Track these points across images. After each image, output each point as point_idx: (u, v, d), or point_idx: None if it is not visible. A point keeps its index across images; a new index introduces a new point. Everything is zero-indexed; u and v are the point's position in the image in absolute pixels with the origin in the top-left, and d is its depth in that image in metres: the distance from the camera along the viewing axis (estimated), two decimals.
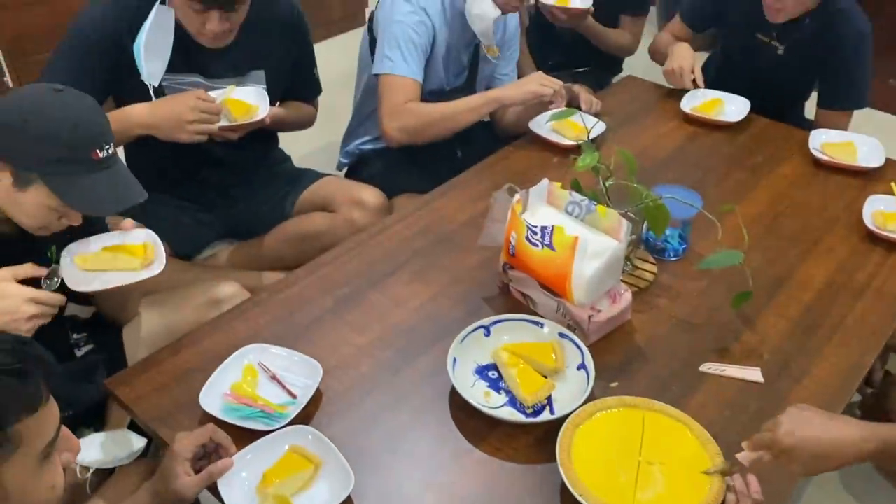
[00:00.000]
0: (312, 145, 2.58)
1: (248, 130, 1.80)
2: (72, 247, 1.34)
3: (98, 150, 1.17)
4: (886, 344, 1.43)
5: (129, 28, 1.66)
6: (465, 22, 2.09)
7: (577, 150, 2.00)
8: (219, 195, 2.04)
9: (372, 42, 2.12)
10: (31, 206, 1.20)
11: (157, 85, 1.68)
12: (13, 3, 2.98)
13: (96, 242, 1.36)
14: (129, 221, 1.40)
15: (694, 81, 2.22)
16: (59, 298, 1.19)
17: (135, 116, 1.63)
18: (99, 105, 1.24)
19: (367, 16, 2.15)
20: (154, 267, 1.34)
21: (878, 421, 1.05)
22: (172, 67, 1.72)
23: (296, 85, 2.00)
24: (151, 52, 1.64)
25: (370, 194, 2.02)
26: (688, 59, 2.26)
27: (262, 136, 1.92)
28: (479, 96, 2.04)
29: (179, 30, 1.69)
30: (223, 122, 1.73)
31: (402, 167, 2.19)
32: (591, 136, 2.08)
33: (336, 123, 2.42)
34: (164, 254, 1.37)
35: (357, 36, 2.20)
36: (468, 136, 2.10)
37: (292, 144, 2.22)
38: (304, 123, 2.09)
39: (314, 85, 2.08)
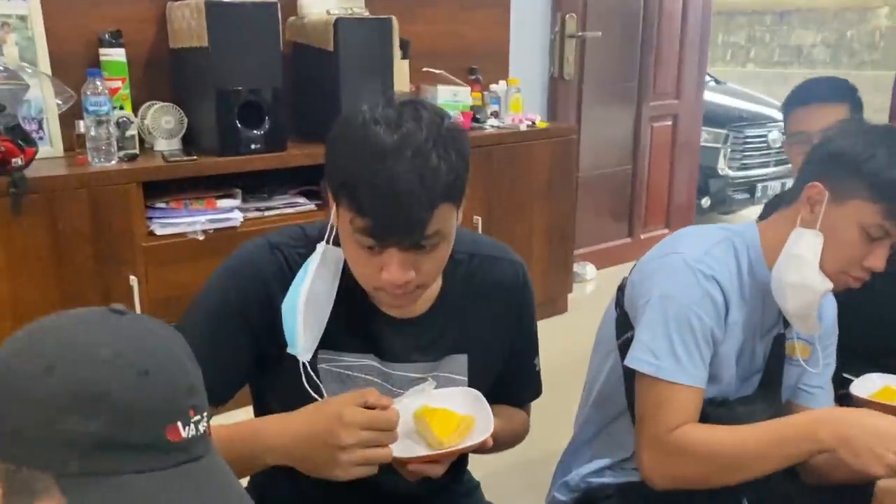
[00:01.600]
0: (504, 461, 1.88)
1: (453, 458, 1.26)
2: None
3: (180, 425, 0.69)
4: None
5: (284, 287, 1.28)
6: (771, 301, 1.51)
7: None
8: None
9: (621, 318, 1.58)
10: None
11: (307, 361, 1.27)
12: (161, 260, 2.48)
13: None
14: None
15: None
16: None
17: (267, 436, 1.21)
18: (188, 347, 0.78)
19: (617, 290, 1.66)
20: None
21: None
22: (336, 343, 1.31)
23: (509, 380, 1.48)
24: (310, 312, 1.24)
25: None
26: None
27: None
28: (793, 431, 1.36)
29: (350, 290, 1.29)
30: (416, 451, 1.23)
31: None
32: None
33: (545, 434, 1.85)
34: None
35: (557, 326, 1.66)
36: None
37: (476, 459, 1.55)
38: (514, 440, 1.52)
39: (533, 382, 1.53)
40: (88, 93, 2.43)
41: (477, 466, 1.63)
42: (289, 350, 1.24)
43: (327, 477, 1.15)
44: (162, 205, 2.58)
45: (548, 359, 1.77)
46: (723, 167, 6.01)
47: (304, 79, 2.99)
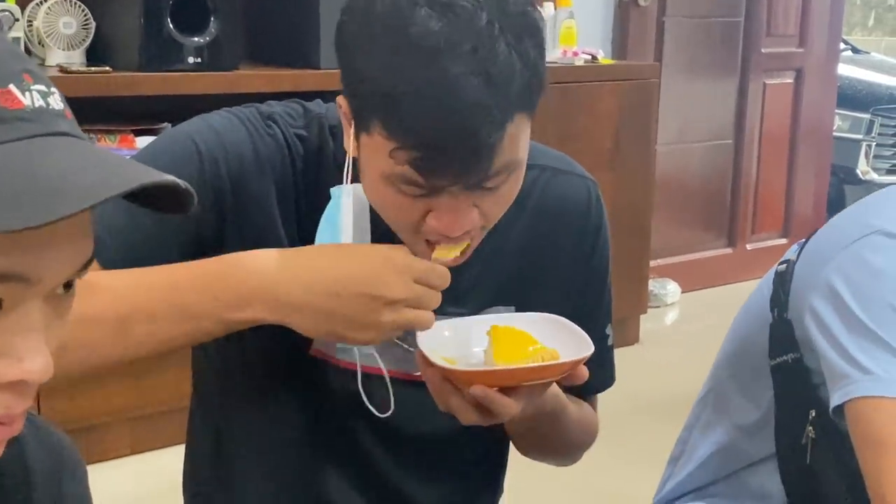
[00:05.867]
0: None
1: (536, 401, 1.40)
2: None
3: (15, 89, 0.82)
4: None
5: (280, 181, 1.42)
6: None
7: None
8: None
9: (779, 327, 1.67)
10: None
11: None
12: None
13: None
14: None
15: None
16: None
17: (260, 270, 1.29)
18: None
19: (776, 270, 1.76)
20: None
21: None
22: None
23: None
24: None
25: None
26: None
27: (483, 463, 1.59)
28: None
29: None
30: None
31: None
32: None
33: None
34: None
35: (622, 361, 1.83)
36: None
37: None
38: (584, 437, 1.64)
39: (604, 360, 1.61)
40: None
41: None
42: None
43: (348, 342, 1.27)
44: None
45: (607, 401, 1.89)
46: (865, 169, 6.14)
47: None
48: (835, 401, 1.49)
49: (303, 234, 1.38)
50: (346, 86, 1.26)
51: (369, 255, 1.28)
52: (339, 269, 1.26)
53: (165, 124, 2.84)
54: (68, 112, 0.86)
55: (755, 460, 1.76)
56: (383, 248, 1.30)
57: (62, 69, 2.74)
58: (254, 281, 1.25)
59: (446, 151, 1.19)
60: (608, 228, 1.58)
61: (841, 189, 6.02)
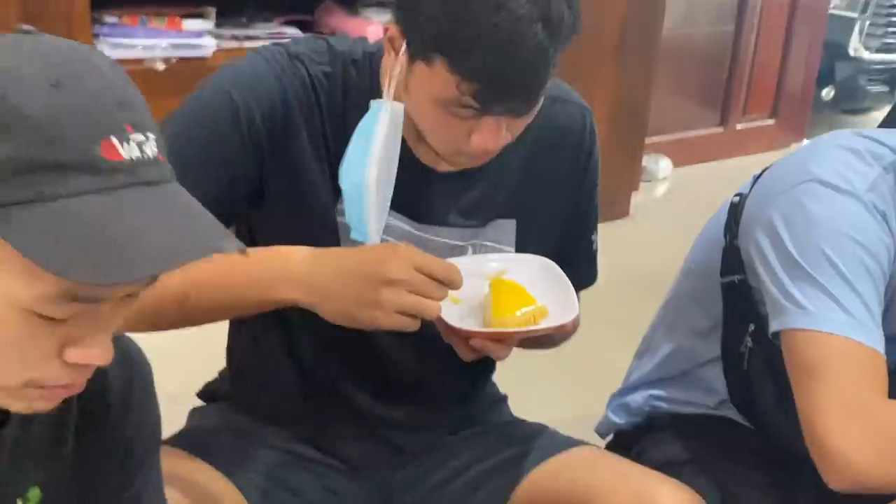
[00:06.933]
0: (543, 375, 2.32)
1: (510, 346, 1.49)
2: None
3: (116, 141, 0.84)
4: None
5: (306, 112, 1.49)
6: None
7: None
8: (382, 450, 1.69)
9: (730, 251, 1.78)
10: None
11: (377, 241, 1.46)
12: None
13: None
14: None
15: None
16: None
17: (289, 259, 1.41)
18: (114, 63, 0.91)
19: (731, 204, 1.83)
20: None
21: None
22: None
23: (561, 258, 1.66)
24: (380, 188, 1.42)
25: (676, 497, 1.57)
26: None
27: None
28: None
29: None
30: (472, 326, 1.46)
31: (735, 455, 1.81)
32: None
33: (593, 353, 2.19)
34: None
35: (613, 233, 1.91)
36: None
37: (506, 369, 1.80)
38: (563, 335, 1.73)
39: (589, 263, 1.78)
40: None
41: (507, 377, 1.87)
42: (352, 235, 1.44)
43: (360, 322, 1.35)
44: (112, 19, 2.82)
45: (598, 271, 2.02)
46: (856, 46, 6.14)
47: None
48: (773, 327, 1.61)
49: (332, 162, 1.47)
50: (404, 19, 1.36)
51: (378, 246, 1.39)
52: (349, 255, 1.38)
53: (209, 8, 2.97)
54: (161, 155, 0.88)
55: (705, 360, 1.88)
56: (392, 243, 1.42)
57: None
58: (286, 265, 1.38)
59: (509, 87, 1.32)
60: (599, 152, 1.69)
61: (832, 65, 6.07)
